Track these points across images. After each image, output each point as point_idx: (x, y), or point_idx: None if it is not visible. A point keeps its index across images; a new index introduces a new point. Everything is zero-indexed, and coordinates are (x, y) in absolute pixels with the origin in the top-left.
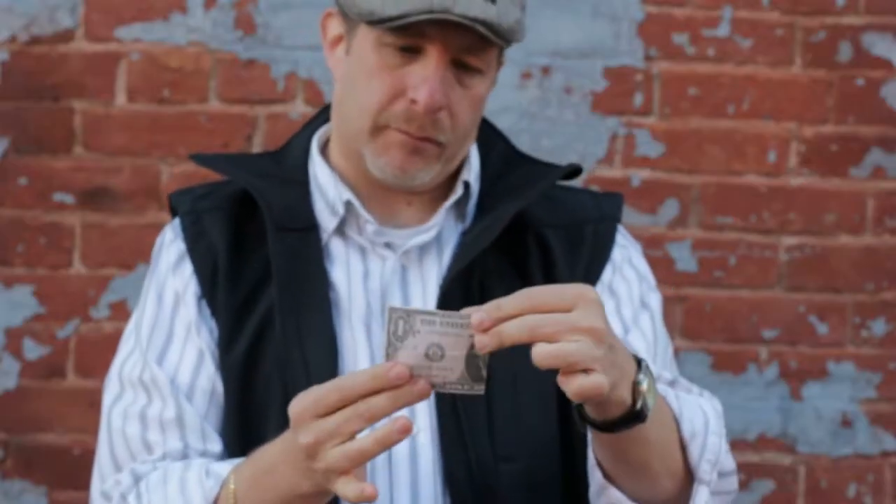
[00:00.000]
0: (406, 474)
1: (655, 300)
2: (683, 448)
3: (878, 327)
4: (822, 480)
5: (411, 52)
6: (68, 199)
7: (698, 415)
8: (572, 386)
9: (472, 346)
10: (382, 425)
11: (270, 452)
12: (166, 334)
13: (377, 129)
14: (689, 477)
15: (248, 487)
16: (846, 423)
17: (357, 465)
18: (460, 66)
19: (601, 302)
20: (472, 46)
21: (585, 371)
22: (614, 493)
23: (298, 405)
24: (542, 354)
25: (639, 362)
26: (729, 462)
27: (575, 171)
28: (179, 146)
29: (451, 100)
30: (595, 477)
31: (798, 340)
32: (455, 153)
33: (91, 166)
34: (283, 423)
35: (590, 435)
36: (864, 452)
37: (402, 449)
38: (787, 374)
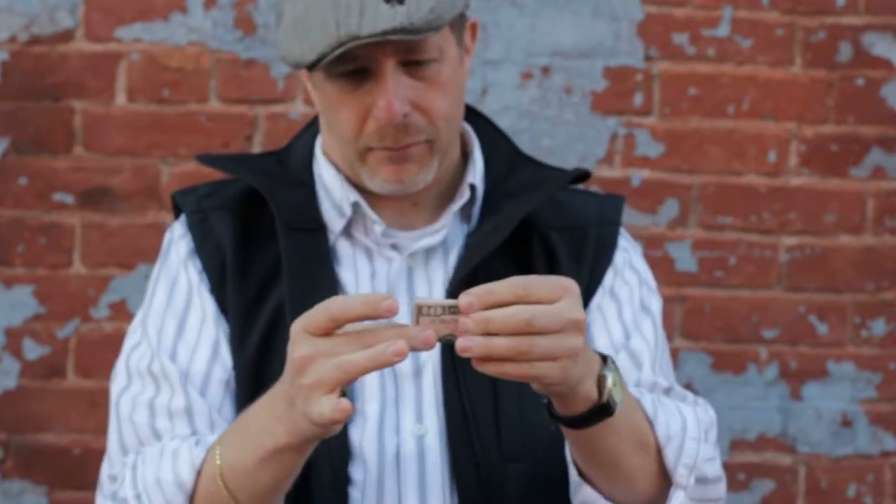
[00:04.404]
0: (414, 474)
1: (656, 304)
2: (660, 451)
3: (878, 327)
4: (822, 480)
5: (360, 72)
6: (68, 199)
7: (675, 418)
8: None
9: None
10: (378, 347)
11: (252, 409)
12: (178, 325)
13: (362, 153)
14: (667, 480)
15: (230, 448)
16: (846, 423)
17: (347, 378)
18: (411, 64)
19: (580, 293)
20: (409, 46)
21: (553, 360)
22: (588, 490)
23: (295, 324)
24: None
25: (605, 358)
26: (713, 469)
27: (582, 175)
28: (179, 146)
29: (416, 98)
30: (571, 474)
31: (798, 340)
32: (446, 142)
33: (91, 166)
34: None
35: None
36: (864, 452)
37: (410, 449)
38: (787, 374)
